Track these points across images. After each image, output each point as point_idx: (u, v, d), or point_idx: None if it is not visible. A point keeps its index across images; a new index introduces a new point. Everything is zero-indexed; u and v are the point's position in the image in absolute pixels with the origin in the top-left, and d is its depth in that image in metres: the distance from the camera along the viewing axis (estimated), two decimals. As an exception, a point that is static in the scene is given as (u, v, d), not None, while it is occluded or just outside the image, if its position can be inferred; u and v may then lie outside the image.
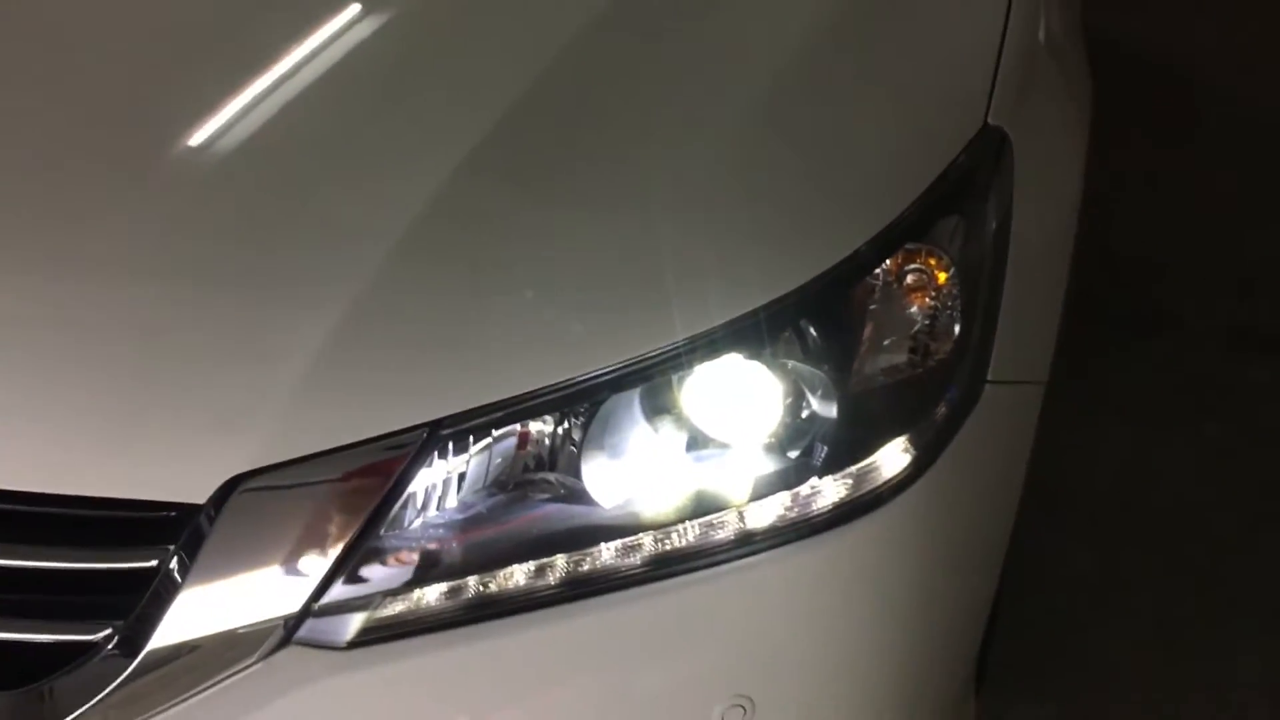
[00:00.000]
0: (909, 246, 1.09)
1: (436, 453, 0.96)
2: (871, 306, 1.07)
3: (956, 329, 1.10)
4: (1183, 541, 2.10)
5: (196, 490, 0.93)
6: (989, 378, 1.12)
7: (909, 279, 1.09)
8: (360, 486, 0.94)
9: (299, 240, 1.02)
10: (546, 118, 1.11)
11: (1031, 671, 1.83)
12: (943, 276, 1.11)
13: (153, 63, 1.20)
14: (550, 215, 1.04)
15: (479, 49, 1.21)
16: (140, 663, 0.93)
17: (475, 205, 1.04)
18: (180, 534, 0.93)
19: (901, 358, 1.08)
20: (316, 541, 0.94)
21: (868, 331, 1.06)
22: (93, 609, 0.95)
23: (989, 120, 1.22)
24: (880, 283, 1.07)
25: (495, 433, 0.97)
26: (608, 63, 1.18)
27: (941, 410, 1.08)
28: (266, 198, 1.05)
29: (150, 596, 0.93)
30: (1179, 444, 2.29)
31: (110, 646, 0.94)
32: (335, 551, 0.94)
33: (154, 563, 0.94)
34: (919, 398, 1.07)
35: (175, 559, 0.93)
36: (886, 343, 1.07)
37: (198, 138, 1.10)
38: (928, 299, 1.10)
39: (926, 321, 1.09)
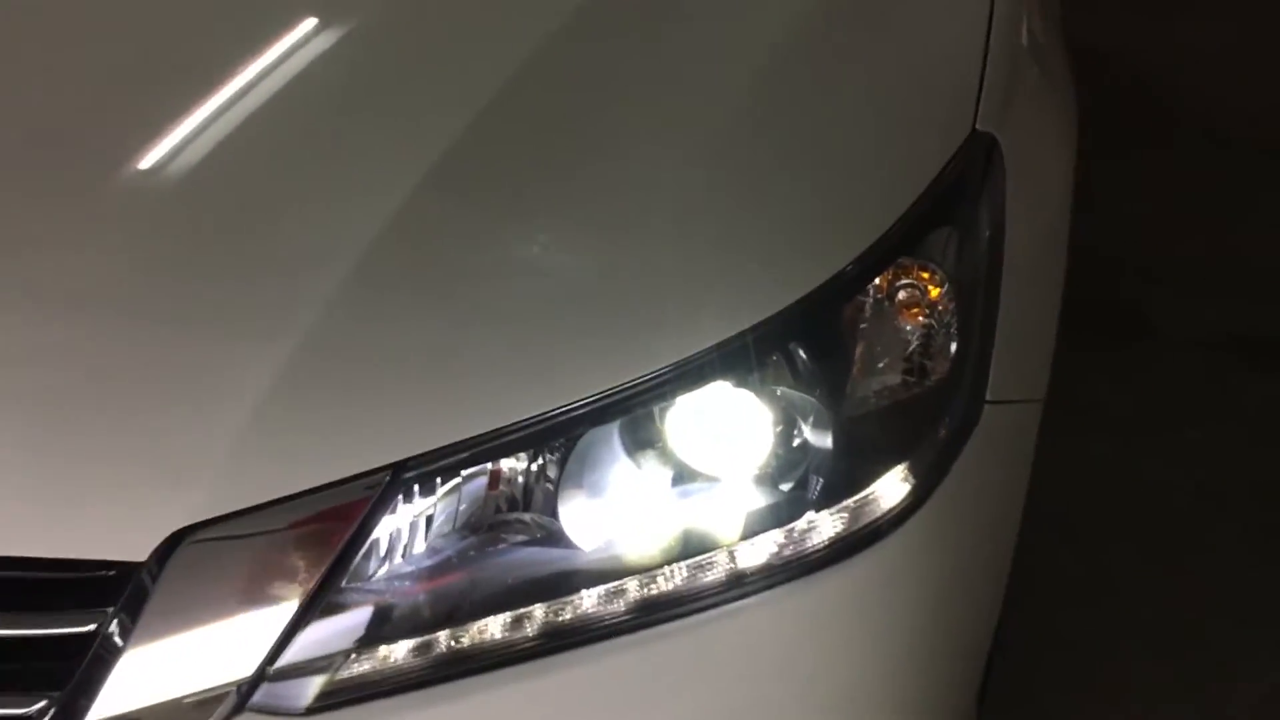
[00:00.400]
0: (901, 261, 1.02)
1: (401, 496, 0.88)
2: (863, 326, 1.00)
3: (953, 347, 1.04)
4: (1181, 551, 2.05)
5: (137, 547, 0.84)
6: (988, 397, 1.06)
7: (901, 295, 1.03)
8: (318, 536, 0.87)
9: (246, 270, 0.94)
10: (514, 132, 1.05)
11: (1025, 689, 1.77)
12: (936, 291, 1.04)
13: (93, 83, 1.12)
14: (519, 236, 0.97)
15: (442, 57, 1.14)
16: None
17: (437, 226, 0.97)
18: (120, 595, 0.85)
19: (897, 380, 1.01)
20: (270, 598, 0.86)
21: (860, 353, 1.00)
22: (27, 678, 0.87)
23: (977, 125, 1.16)
24: (872, 301, 1.01)
25: (464, 473, 0.90)
26: (575, 78, 1.12)
27: (941, 435, 1.01)
28: (210, 225, 0.98)
29: (89, 663, 0.85)
30: (1164, 451, 2.24)
31: (47, 719, 0.85)
32: (291, 608, 0.86)
33: (92, 626, 0.85)
34: (917, 422, 1.01)
35: (115, 622, 0.85)
36: (881, 364, 1.01)
37: (139, 163, 1.02)
38: (922, 316, 1.03)
39: (921, 340, 1.02)
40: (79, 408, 0.87)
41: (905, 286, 1.03)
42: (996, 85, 1.22)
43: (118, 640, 0.85)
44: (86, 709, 0.85)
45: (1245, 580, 2.00)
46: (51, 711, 0.85)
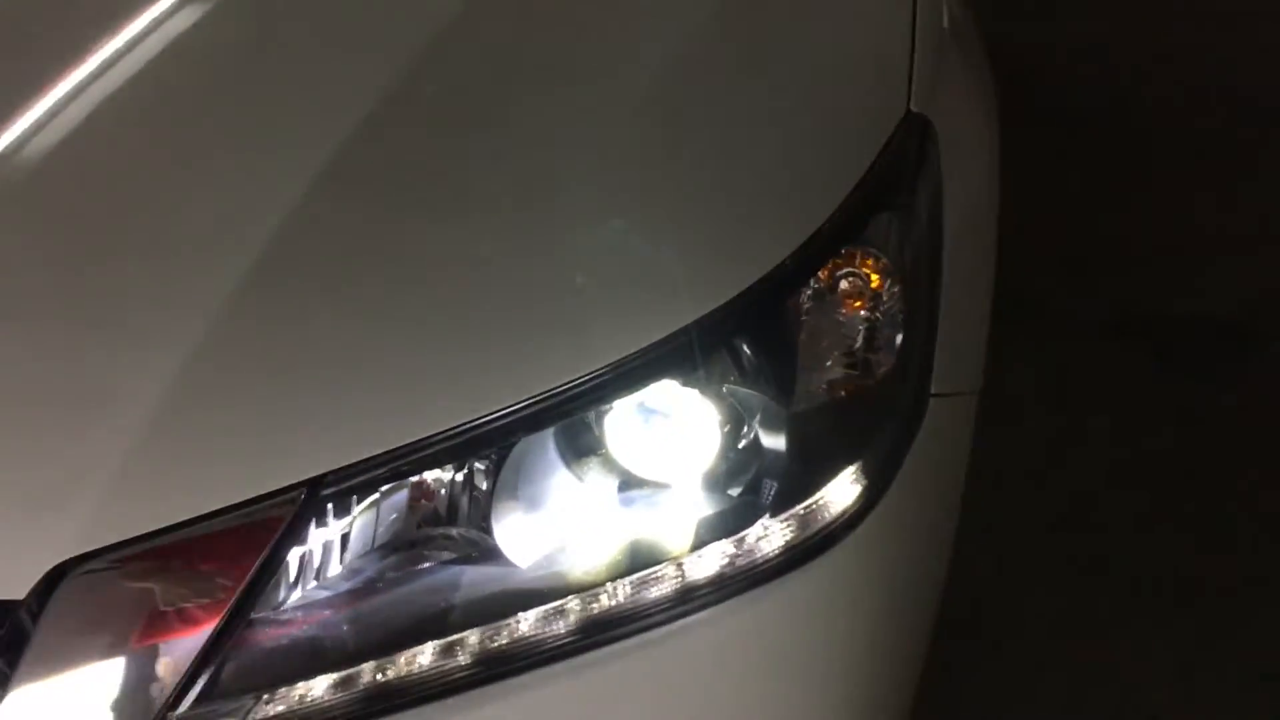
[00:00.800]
0: (843, 250, 0.97)
1: (316, 516, 0.79)
2: (807, 319, 0.94)
3: (898, 338, 0.98)
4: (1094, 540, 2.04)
5: (12, 583, 0.74)
6: (932, 390, 1.01)
7: (844, 285, 0.97)
8: (223, 564, 0.77)
9: (132, 269, 0.84)
10: (423, 121, 0.96)
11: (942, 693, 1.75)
12: (879, 280, 0.99)
13: None
14: (435, 230, 0.88)
15: (339, 39, 1.04)
16: None
17: (339, 219, 0.88)
18: None
19: (842, 374, 0.95)
20: (169, 635, 0.76)
21: (806, 347, 0.94)
22: None
23: (911, 107, 1.11)
24: (814, 292, 0.95)
25: (386, 488, 0.81)
26: (487, 65, 1.03)
27: (888, 432, 0.96)
28: (83, 217, 0.87)
29: None
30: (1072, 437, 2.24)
31: None
32: (195, 646, 0.77)
33: None
34: (865, 419, 0.95)
35: None
36: (827, 359, 0.95)
37: (10, 148, 0.91)
38: (865, 307, 0.98)
39: (866, 332, 0.97)
40: None
41: (848, 276, 0.97)
42: (925, 66, 1.18)
43: None
44: None
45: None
46: None
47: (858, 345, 0.96)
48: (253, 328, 0.81)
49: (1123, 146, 3.05)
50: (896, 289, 0.99)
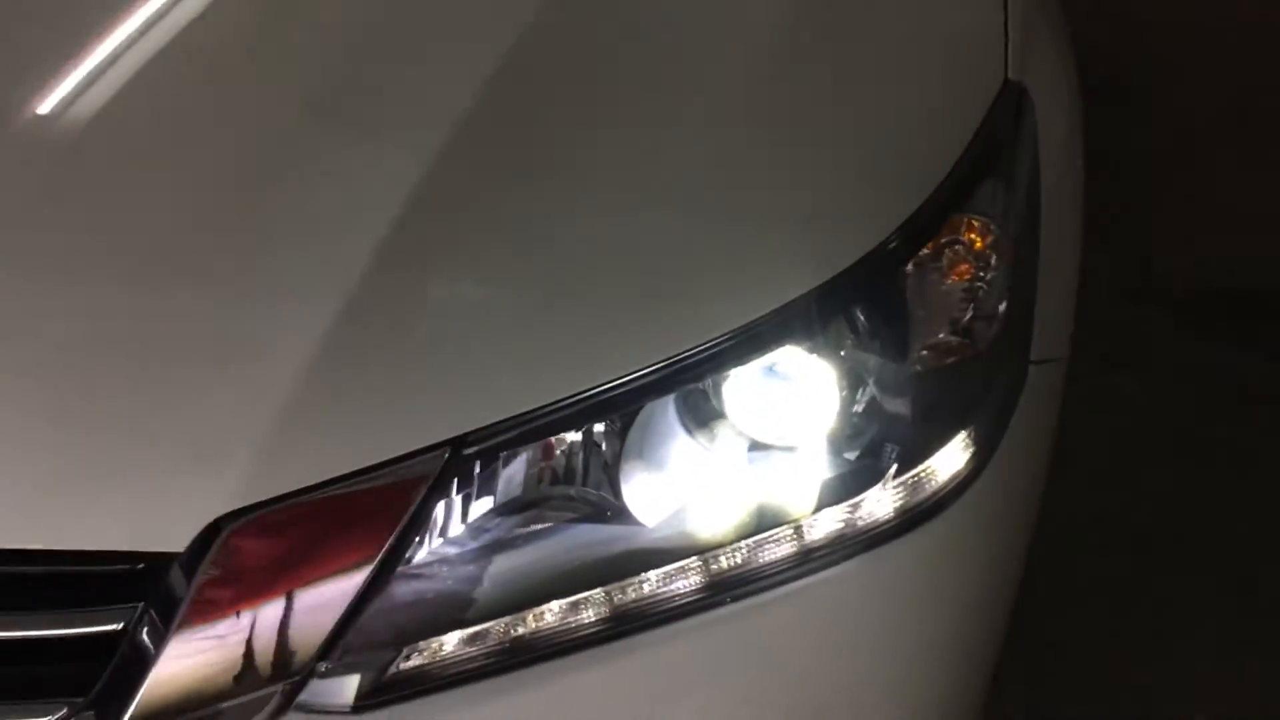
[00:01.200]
0: (952, 217, 0.98)
1: (458, 475, 0.81)
2: (919, 286, 0.96)
3: (1002, 306, 1.00)
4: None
5: (172, 537, 0.76)
6: (1031, 357, 1.03)
7: (954, 252, 0.98)
8: (370, 521, 0.79)
9: (274, 236, 0.87)
10: (538, 98, 0.98)
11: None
12: (985, 247, 1.00)
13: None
14: (569, 203, 0.90)
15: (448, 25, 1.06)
16: None
17: (474, 193, 0.89)
18: (151, 589, 0.77)
19: (953, 341, 0.97)
20: (319, 589, 0.79)
21: (917, 314, 0.95)
22: (46, 684, 0.78)
23: (1009, 76, 1.12)
24: (925, 259, 0.96)
25: (523, 449, 0.83)
26: (600, 42, 1.05)
27: (995, 398, 0.98)
28: (229, 186, 0.89)
29: (117, 665, 0.77)
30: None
31: None
32: (342, 600, 0.79)
33: (119, 625, 0.77)
34: (974, 385, 0.97)
35: (145, 619, 0.77)
36: (938, 326, 0.96)
37: (152, 120, 0.94)
38: (972, 274, 0.99)
39: (973, 299, 0.98)
40: (106, 386, 0.79)
41: (957, 244, 0.98)
42: (1018, 35, 1.18)
43: (147, 640, 0.77)
44: (116, 715, 0.77)
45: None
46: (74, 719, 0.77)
47: (965, 312, 0.98)
48: (397, 291, 0.83)
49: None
50: (1001, 255, 1.00)
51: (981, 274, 0.99)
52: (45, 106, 0.95)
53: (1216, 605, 1.87)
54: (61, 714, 0.77)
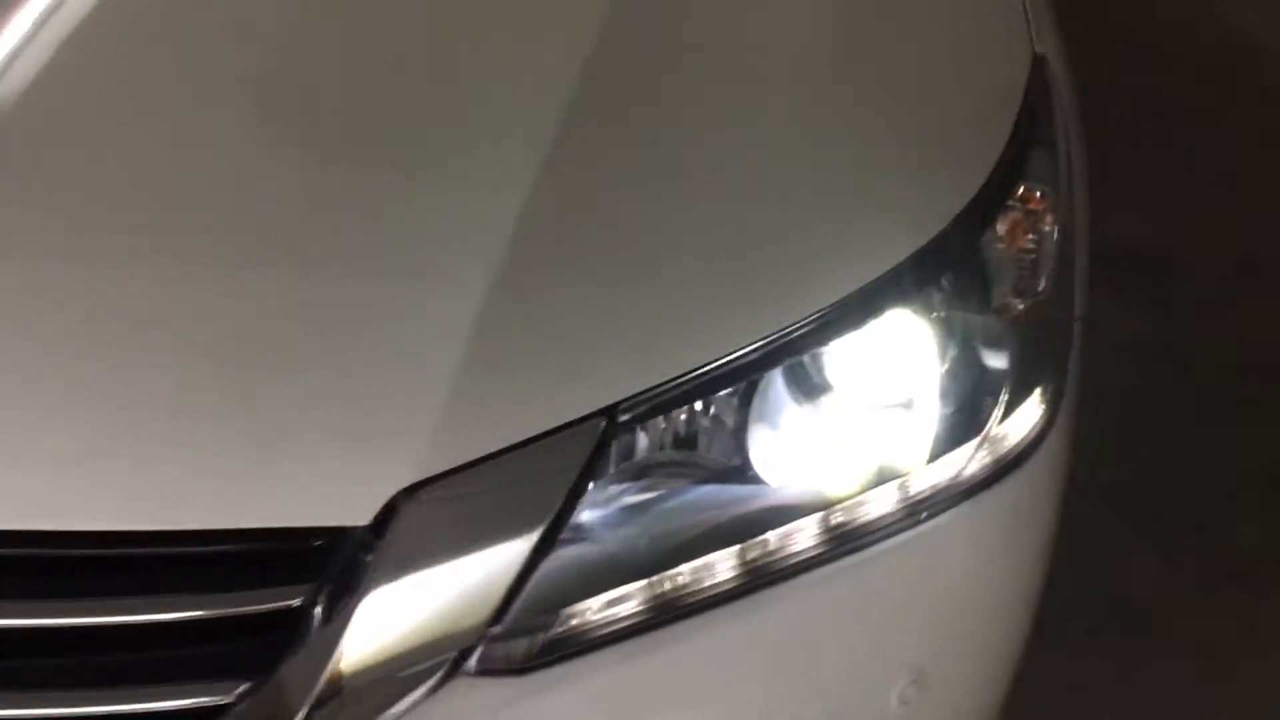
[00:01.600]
0: (1018, 182, 1.05)
1: (612, 443, 0.84)
2: (995, 248, 1.02)
3: (1056, 266, 1.07)
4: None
5: (355, 511, 0.77)
6: (1076, 313, 1.11)
7: (1018, 216, 1.05)
8: (536, 489, 0.82)
9: (418, 211, 0.88)
10: (649, 100, 1.01)
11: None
12: (1043, 209, 1.07)
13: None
14: (692, 171, 0.94)
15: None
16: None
17: (604, 160, 0.92)
18: (330, 565, 0.78)
19: (1023, 300, 1.03)
20: (491, 556, 0.81)
21: (997, 275, 1.02)
22: (221, 662, 0.78)
23: (1035, 49, 1.19)
24: (1000, 222, 1.03)
25: (664, 416, 0.87)
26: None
27: (1059, 354, 1.05)
28: (379, 146, 0.91)
29: (296, 641, 0.78)
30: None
31: (243, 705, 0.78)
32: (513, 565, 0.81)
33: (297, 601, 0.78)
34: (1044, 342, 1.04)
35: (325, 594, 0.78)
36: (1010, 285, 1.03)
37: (299, 101, 0.95)
38: (1033, 237, 1.06)
39: (1036, 260, 1.05)
40: (284, 368, 0.79)
41: (1019, 207, 1.05)
42: (1033, 8, 1.25)
43: (327, 614, 0.78)
44: (296, 690, 0.78)
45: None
46: (252, 697, 0.78)
47: (1030, 272, 1.04)
48: (541, 262, 0.86)
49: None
50: (1055, 217, 1.07)
51: (1040, 236, 1.06)
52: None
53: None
54: (240, 691, 0.78)
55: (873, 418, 0.94)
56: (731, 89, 1.02)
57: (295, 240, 0.86)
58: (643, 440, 0.87)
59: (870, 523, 0.92)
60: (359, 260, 0.85)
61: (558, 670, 0.84)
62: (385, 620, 0.79)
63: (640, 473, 0.87)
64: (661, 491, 0.88)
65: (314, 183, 0.89)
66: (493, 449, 0.80)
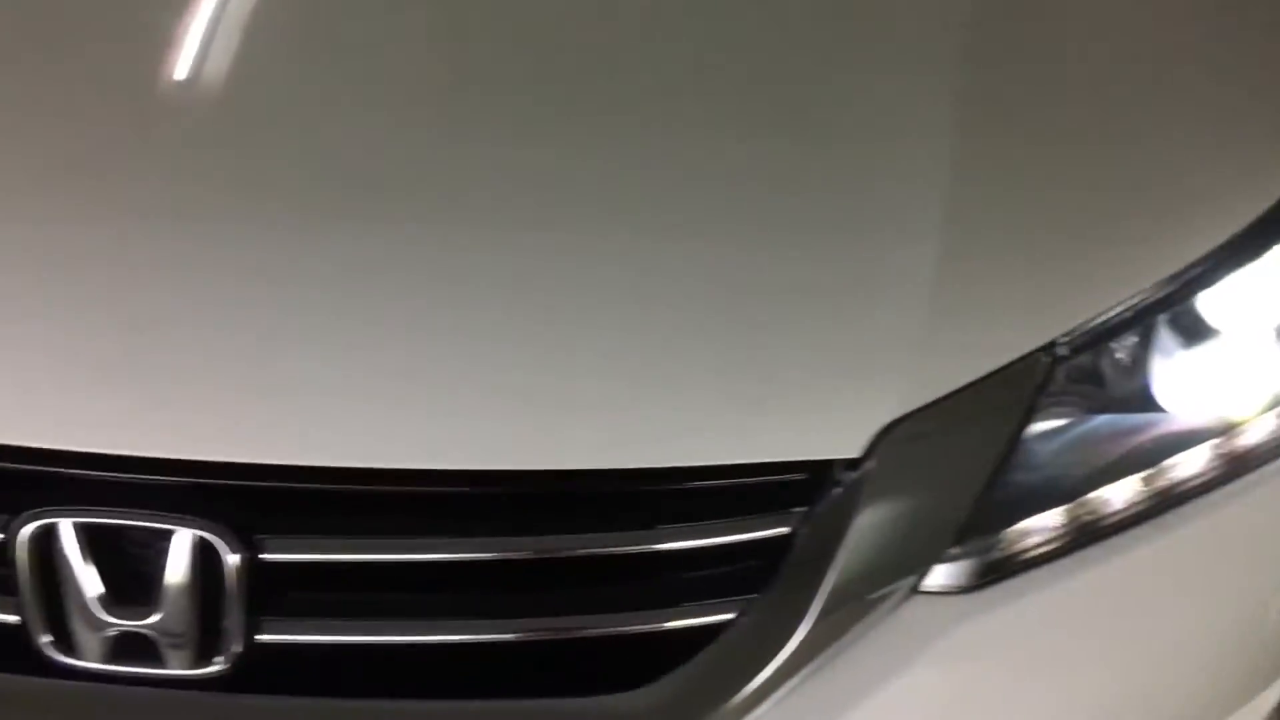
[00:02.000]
0: None
1: (1056, 374, 0.90)
2: None
3: None
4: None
5: (847, 442, 0.84)
6: None
7: None
8: (994, 421, 0.88)
9: (865, 174, 0.96)
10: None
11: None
12: None
13: None
14: (1098, 124, 1.01)
15: None
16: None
17: (1016, 120, 1.00)
18: (815, 495, 0.85)
19: None
20: (955, 486, 0.87)
21: None
22: (715, 585, 0.86)
23: None
24: None
25: (1109, 345, 0.93)
26: None
27: None
28: (807, 133, 1.00)
29: (789, 567, 0.85)
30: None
31: (737, 624, 0.85)
32: (970, 493, 0.88)
33: (786, 529, 0.85)
34: None
35: (808, 523, 0.85)
36: None
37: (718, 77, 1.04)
38: None
39: None
40: (764, 311, 0.87)
41: None
42: None
43: (812, 543, 0.85)
44: (804, 604, 0.84)
45: None
46: (750, 617, 0.85)
47: None
48: (980, 205, 0.94)
49: None
50: None
51: None
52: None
53: None
54: (734, 613, 0.85)
55: (1268, 346, 0.99)
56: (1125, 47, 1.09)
57: (763, 209, 0.94)
58: (1081, 369, 0.93)
59: (1269, 443, 0.97)
60: (831, 222, 0.93)
61: (1001, 589, 0.90)
62: (863, 545, 0.85)
63: (1066, 403, 0.93)
64: (1084, 420, 0.94)
65: (774, 157, 0.97)
66: (956, 385, 0.86)
